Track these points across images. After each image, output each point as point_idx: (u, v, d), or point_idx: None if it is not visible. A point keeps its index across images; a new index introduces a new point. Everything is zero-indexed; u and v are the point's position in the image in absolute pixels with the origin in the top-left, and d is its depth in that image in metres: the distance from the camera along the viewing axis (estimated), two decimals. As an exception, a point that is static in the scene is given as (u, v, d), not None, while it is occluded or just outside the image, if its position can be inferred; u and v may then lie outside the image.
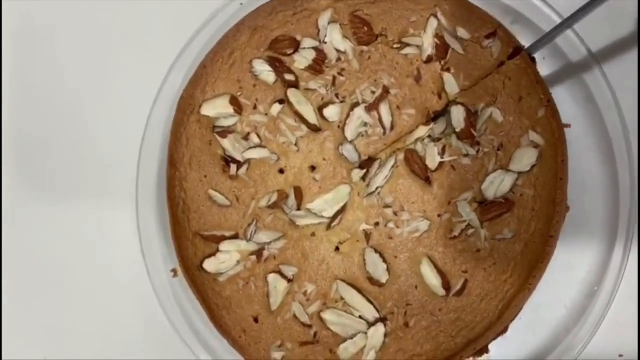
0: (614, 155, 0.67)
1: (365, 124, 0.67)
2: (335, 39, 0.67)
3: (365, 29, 0.67)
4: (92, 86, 0.76)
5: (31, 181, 0.76)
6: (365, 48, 0.67)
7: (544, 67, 0.70)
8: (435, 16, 0.66)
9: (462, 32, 0.66)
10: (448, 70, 0.66)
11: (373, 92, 0.67)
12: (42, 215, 0.76)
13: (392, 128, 0.67)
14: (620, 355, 0.69)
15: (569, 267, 0.69)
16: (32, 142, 0.76)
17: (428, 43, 0.66)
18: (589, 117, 0.69)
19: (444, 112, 0.66)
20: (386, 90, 0.67)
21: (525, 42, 0.69)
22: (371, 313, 0.65)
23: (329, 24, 0.67)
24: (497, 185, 0.64)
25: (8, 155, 0.76)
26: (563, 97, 0.68)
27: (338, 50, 0.67)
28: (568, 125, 0.68)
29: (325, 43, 0.67)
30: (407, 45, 0.67)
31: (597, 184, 0.69)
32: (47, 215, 0.76)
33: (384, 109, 0.67)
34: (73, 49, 0.76)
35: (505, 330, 0.66)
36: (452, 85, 0.66)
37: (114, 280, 0.75)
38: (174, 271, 0.71)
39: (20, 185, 0.76)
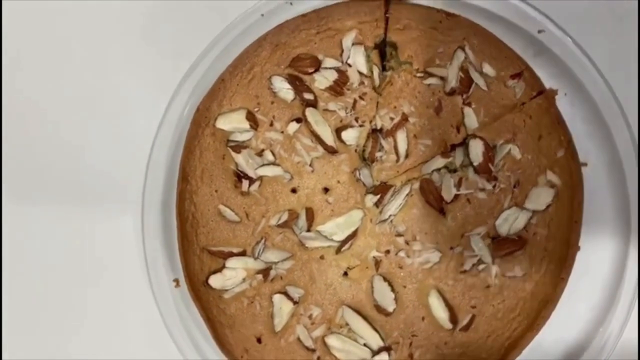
0: (628, 195, 0.67)
1: (381, 149, 0.66)
2: (359, 62, 0.66)
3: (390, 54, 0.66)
4: (99, 98, 0.74)
5: (36, 194, 0.75)
6: (388, 73, 0.66)
7: (565, 102, 0.69)
8: (463, 49, 0.65)
9: (487, 69, 0.65)
10: (469, 104, 0.65)
11: (392, 119, 0.66)
12: (45, 225, 0.75)
13: (406, 156, 0.66)
14: None
15: (572, 301, 0.68)
16: (37, 154, 0.75)
17: (452, 75, 0.65)
18: (606, 155, 0.69)
19: (460, 145, 0.66)
20: (405, 118, 0.66)
21: (547, 75, 0.68)
22: (376, 341, 0.65)
23: (352, 45, 0.66)
24: (511, 222, 0.64)
25: (10, 171, 0.75)
26: (581, 132, 0.68)
27: (361, 74, 0.66)
28: (584, 164, 0.67)
29: (349, 65, 0.66)
30: (431, 75, 0.66)
31: (608, 222, 0.69)
32: (49, 225, 0.75)
33: (401, 136, 0.66)
34: (81, 58, 0.75)
35: (507, 366, 0.66)
36: (471, 119, 0.65)
37: (115, 287, 0.74)
38: (176, 281, 0.70)
39: (25, 199, 0.75)
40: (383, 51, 0.67)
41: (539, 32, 0.68)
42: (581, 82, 0.68)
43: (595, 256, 0.69)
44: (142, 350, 0.73)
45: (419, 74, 0.66)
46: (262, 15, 0.70)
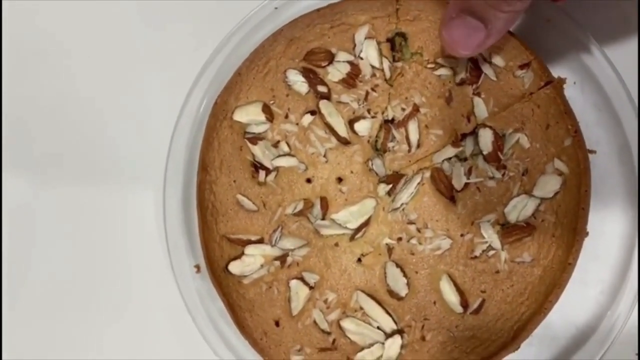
0: (637, 181, 0.69)
1: (393, 139, 0.68)
2: (371, 55, 0.68)
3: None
4: (119, 90, 0.77)
5: (55, 181, 0.78)
6: (399, 64, 0.68)
7: (576, 90, 0.70)
8: (472, 40, 0.67)
9: (496, 59, 0.67)
10: (479, 94, 0.67)
11: (403, 109, 0.68)
12: (64, 208, 0.78)
13: (418, 146, 0.68)
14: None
15: (583, 286, 0.70)
16: (56, 146, 0.78)
17: (462, 66, 0.67)
18: (616, 141, 0.70)
19: (471, 134, 0.67)
20: (416, 109, 0.68)
21: (557, 63, 0.69)
22: (389, 324, 0.67)
23: (365, 39, 0.68)
24: (519, 209, 0.66)
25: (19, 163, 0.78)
26: (592, 119, 0.70)
27: (373, 67, 0.68)
28: (593, 151, 0.69)
29: (362, 58, 0.68)
30: (441, 65, 0.67)
31: (618, 207, 0.70)
32: (68, 208, 0.78)
33: (412, 126, 0.68)
34: (100, 53, 0.78)
35: (517, 347, 0.68)
36: (481, 109, 0.67)
37: (134, 275, 0.77)
38: (197, 267, 0.73)
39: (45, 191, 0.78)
40: (393, 42, 0.69)
41: (547, 21, 0.69)
42: (590, 69, 0.69)
43: (605, 240, 0.70)
44: (165, 336, 0.76)
45: (429, 65, 0.68)
46: (276, 8, 0.72)
